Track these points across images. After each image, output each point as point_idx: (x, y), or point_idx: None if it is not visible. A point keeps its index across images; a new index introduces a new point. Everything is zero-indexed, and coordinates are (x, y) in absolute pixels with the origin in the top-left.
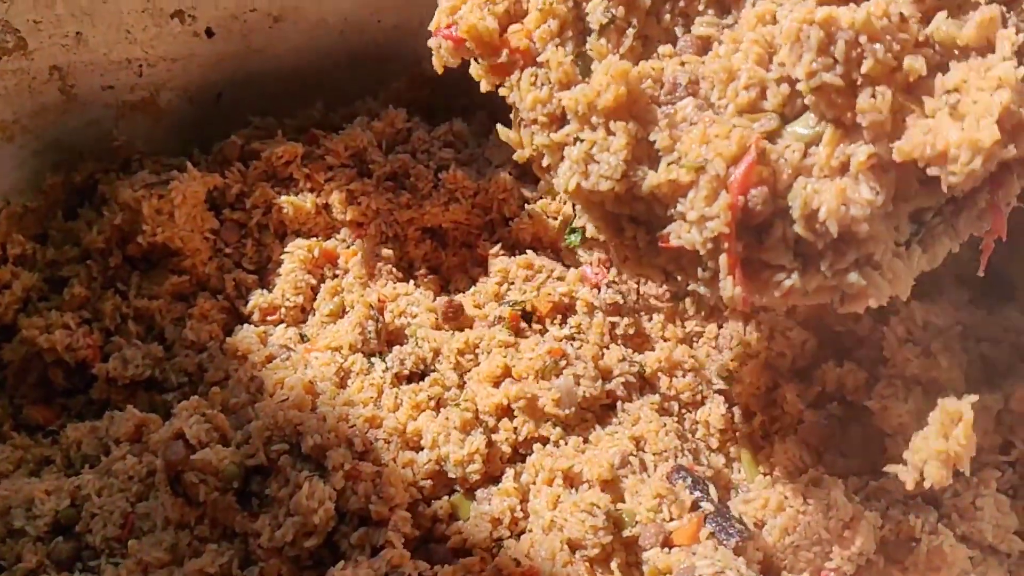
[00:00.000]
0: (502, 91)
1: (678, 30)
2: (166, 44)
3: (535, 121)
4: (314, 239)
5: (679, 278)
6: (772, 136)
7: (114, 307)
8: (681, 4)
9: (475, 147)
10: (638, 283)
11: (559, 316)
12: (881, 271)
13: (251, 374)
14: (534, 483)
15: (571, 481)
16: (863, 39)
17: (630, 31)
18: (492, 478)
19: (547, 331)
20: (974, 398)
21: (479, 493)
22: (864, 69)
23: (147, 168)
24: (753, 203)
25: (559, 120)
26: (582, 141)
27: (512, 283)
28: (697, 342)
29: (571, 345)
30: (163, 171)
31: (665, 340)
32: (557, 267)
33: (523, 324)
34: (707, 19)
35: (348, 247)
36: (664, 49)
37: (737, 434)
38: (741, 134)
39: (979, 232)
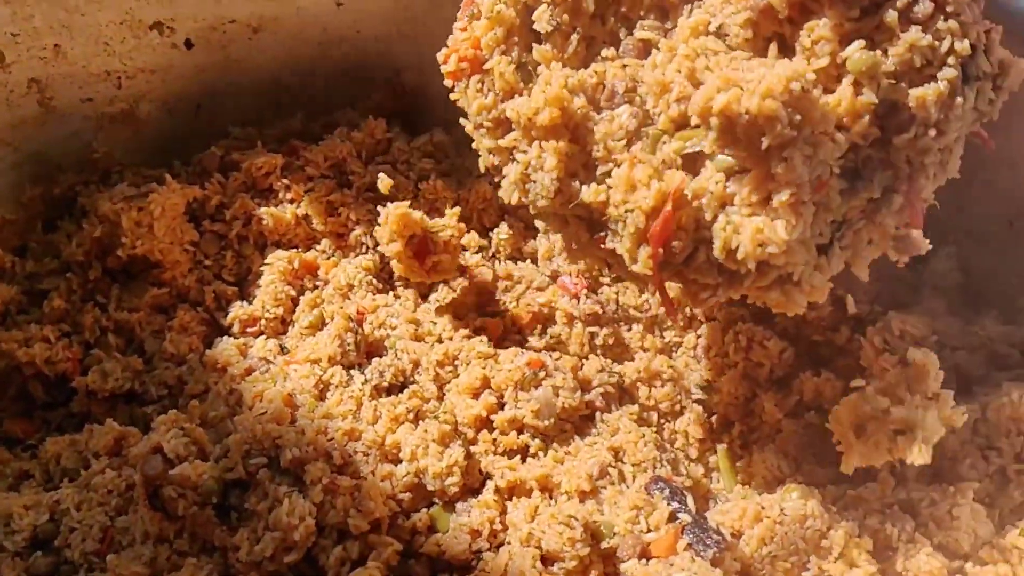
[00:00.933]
0: (452, 96)
1: (622, 33)
2: (145, 56)
3: (481, 126)
4: (294, 250)
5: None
6: (697, 164)
7: (94, 320)
8: (623, 9)
9: (455, 157)
10: (617, 293)
11: (539, 326)
12: (800, 286)
13: (230, 387)
14: (513, 495)
15: (550, 493)
16: None
17: (574, 36)
18: (471, 490)
19: (527, 341)
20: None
21: (458, 505)
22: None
23: (127, 180)
24: (673, 249)
25: (505, 125)
26: (517, 162)
27: (492, 292)
28: (676, 352)
29: (550, 356)
30: (143, 183)
31: (644, 350)
32: (537, 277)
33: (502, 335)
34: (648, 23)
35: (328, 258)
36: (607, 52)
37: (716, 444)
38: (660, 188)
39: (901, 225)
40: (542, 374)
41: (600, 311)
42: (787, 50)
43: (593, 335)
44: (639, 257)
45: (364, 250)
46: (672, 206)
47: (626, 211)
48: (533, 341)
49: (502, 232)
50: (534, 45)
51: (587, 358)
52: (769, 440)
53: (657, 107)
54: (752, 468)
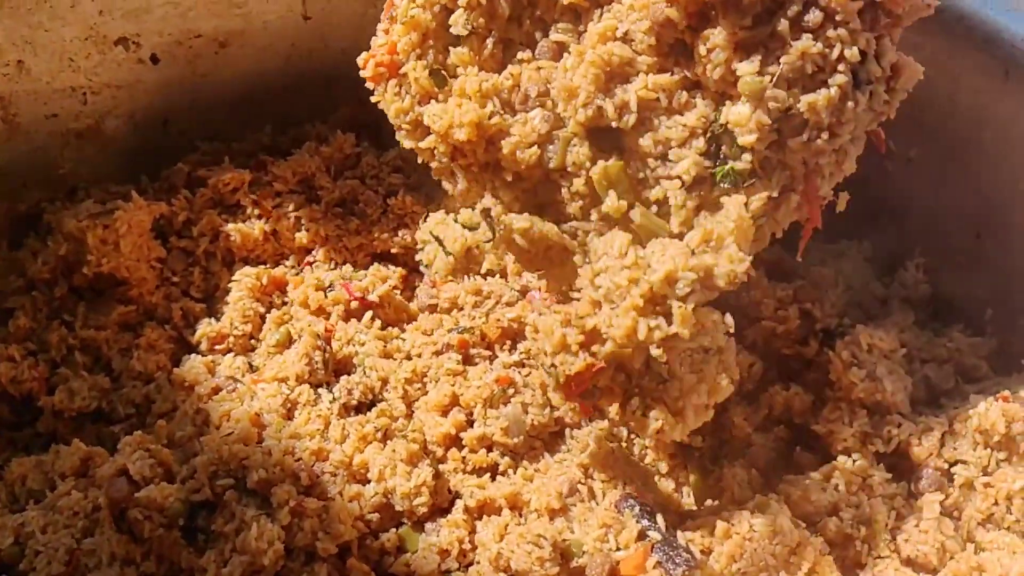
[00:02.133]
0: (373, 99)
1: (537, 35)
2: (110, 71)
3: (401, 128)
4: (262, 266)
5: None
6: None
7: (60, 338)
8: (539, 12)
9: (424, 172)
10: None
11: (508, 342)
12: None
13: (197, 406)
14: (482, 514)
15: (519, 511)
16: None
17: (490, 40)
18: (440, 509)
19: (496, 357)
20: None
21: (428, 525)
22: None
23: (93, 196)
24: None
25: (423, 128)
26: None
27: (461, 309)
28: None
29: (520, 372)
30: (109, 199)
31: None
32: (507, 292)
33: (472, 351)
34: (562, 26)
35: (297, 274)
36: (524, 54)
37: (686, 459)
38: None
39: (801, 220)
40: (511, 391)
41: None
42: (688, 55)
43: None
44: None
45: (333, 266)
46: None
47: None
48: (503, 357)
49: None
50: (451, 48)
51: None
52: (739, 455)
53: (567, 111)
54: (722, 483)
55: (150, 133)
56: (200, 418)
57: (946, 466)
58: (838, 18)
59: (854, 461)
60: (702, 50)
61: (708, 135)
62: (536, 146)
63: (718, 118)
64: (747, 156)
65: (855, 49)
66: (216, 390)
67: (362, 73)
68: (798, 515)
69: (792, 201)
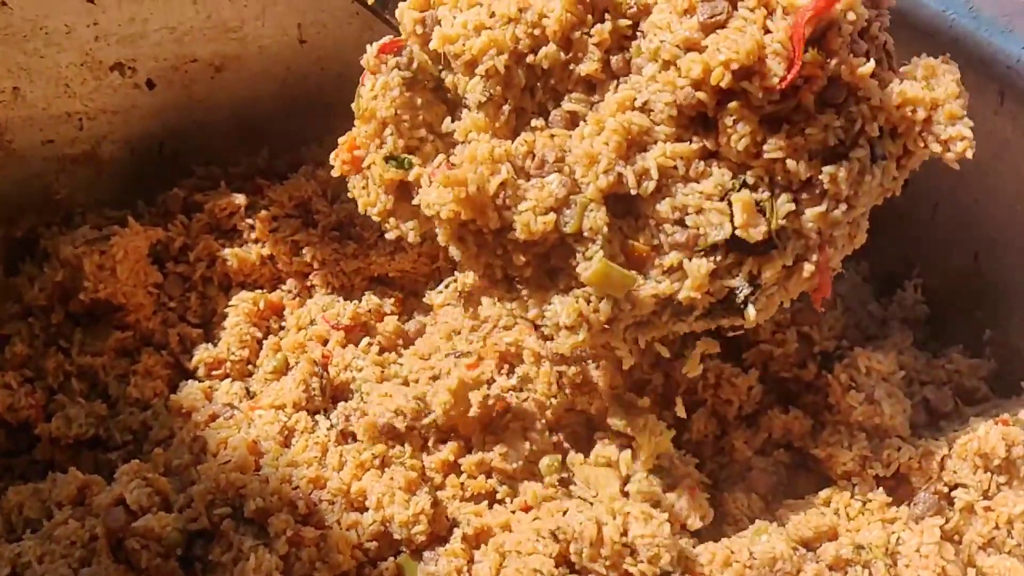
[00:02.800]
0: (349, 193)
1: (550, 105)
2: (106, 97)
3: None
4: (259, 291)
5: None
6: None
7: (57, 365)
8: (552, 82)
9: None
10: None
11: (506, 366)
12: None
13: (194, 433)
14: (480, 543)
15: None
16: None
17: (506, 107)
18: (439, 538)
19: (494, 381)
20: None
21: (426, 554)
22: None
23: (89, 221)
24: None
25: (396, 213)
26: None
27: (459, 333)
28: (645, 390)
29: (517, 396)
30: (105, 224)
31: (612, 388)
32: (504, 316)
33: None
34: (576, 96)
35: (294, 298)
36: (536, 122)
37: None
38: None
39: (810, 290)
40: (509, 416)
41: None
42: (707, 125)
43: (561, 374)
44: None
45: (330, 290)
46: None
47: None
48: (500, 381)
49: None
50: (464, 112)
51: (555, 397)
52: (739, 478)
53: (586, 177)
54: (723, 507)
55: (146, 158)
56: (197, 445)
57: (946, 490)
58: (860, 94)
59: (854, 485)
60: (728, 121)
61: (725, 202)
62: (552, 211)
63: (736, 186)
64: (762, 227)
65: (875, 125)
66: (213, 417)
67: (332, 172)
68: (798, 540)
69: (805, 271)
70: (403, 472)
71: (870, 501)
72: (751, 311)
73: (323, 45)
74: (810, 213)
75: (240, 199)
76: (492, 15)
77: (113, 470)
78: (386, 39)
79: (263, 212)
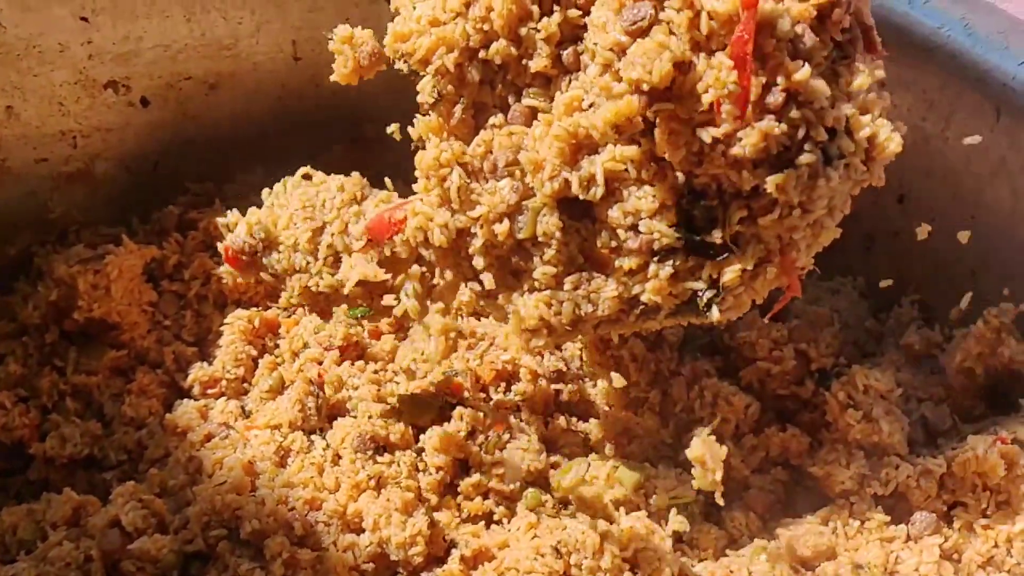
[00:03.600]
0: None
1: (511, 98)
2: (100, 115)
3: None
4: (254, 309)
5: None
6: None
7: (51, 384)
8: (510, 76)
9: None
10: (581, 349)
11: (503, 384)
12: None
13: (189, 454)
14: (478, 564)
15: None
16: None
17: (459, 106)
18: (436, 559)
19: (491, 399)
20: None
21: (424, 574)
22: None
23: (84, 240)
24: None
25: None
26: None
27: (455, 351)
28: (642, 408)
29: (515, 415)
30: (100, 242)
31: (609, 407)
32: (500, 334)
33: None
34: (533, 91)
35: (289, 316)
36: (496, 119)
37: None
38: None
39: (781, 287)
40: (507, 436)
41: (564, 367)
42: (648, 128)
43: (558, 392)
44: None
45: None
46: None
47: None
48: (497, 399)
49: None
50: (418, 116)
51: (552, 416)
52: (737, 497)
53: (534, 183)
54: (721, 526)
55: (140, 176)
56: (192, 466)
57: (945, 508)
58: (801, 98)
59: (852, 504)
60: (660, 131)
61: (679, 207)
62: (506, 219)
63: (683, 194)
64: (717, 232)
65: (821, 129)
66: (209, 436)
67: None
68: (796, 559)
69: (769, 273)
70: (399, 493)
71: (868, 520)
72: (715, 312)
73: (318, 62)
74: (764, 220)
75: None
76: (444, 8)
77: (108, 490)
78: None
79: None
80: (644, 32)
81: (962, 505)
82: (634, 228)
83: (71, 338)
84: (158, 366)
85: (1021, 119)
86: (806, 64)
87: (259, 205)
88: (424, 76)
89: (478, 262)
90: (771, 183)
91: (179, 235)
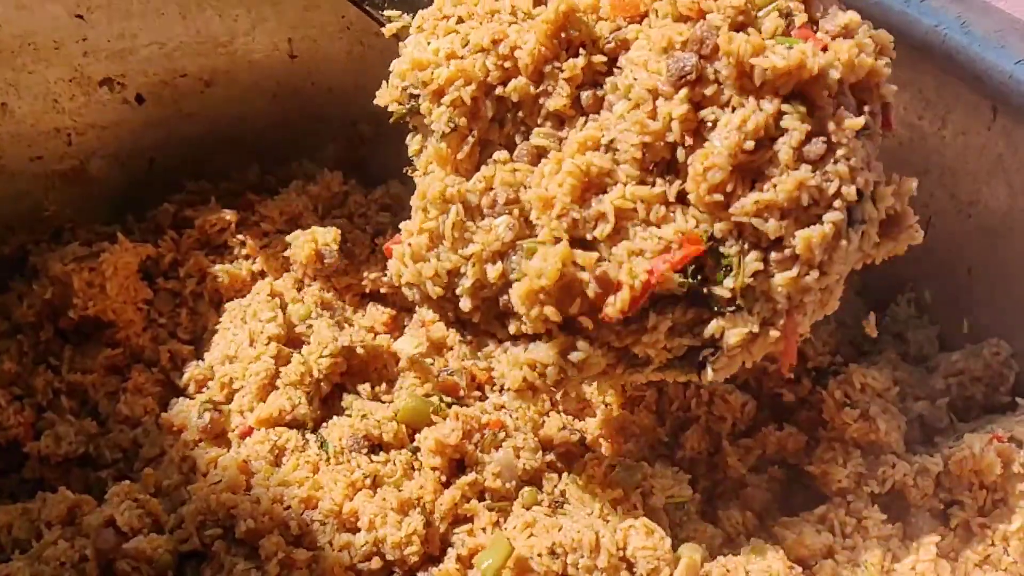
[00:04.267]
0: None
1: (518, 137)
2: (95, 112)
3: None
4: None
5: None
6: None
7: (46, 382)
8: (521, 114)
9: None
10: None
11: (498, 384)
12: None
13: (184, 452)
14: (474, 563)
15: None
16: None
17: (470, 139)
18: (432, 558)
19: (486, 398)
20: None
21: (419, 574)
22: None
23: (79, 238)
24: None
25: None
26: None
27: (451, 349)
28: (638, 407)
29: (511, 415)
30: (95, 240)
31: (606, 405)
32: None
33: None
34: (544, 131)
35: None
36: (500, 155)
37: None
38: None
39: (775, 352)
40: (502, 435)
41: None
42: (675, 172)
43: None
44: None
45: (321, 307)
46: None
47: None
48: (493, 398)
49: None
50: (429, 141)
51: (548, 415)
52: (733, 495)
53: (540, 220)
54: (718, 524)
55: (136, 173)
56: (187, 465)
57: (942, 507)
58: (840, 152)
59: (849, 502)
60: (698, 167)
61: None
62: (500, 259)
63: (704, 237)
64: (728, 282)
65: (853, 188)
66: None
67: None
68: (793, 558)
69: (770, 336)
70: (395, 492)
71: (865, 518)
72: (709, 373)
73: (314, 60)
74: (780, 277)
75: (230, 215)
76: (466, 44)
77: (103, 488)
78: None
79: (254, 228)
80: (691, 83)
81: (959, 503)
82: None
83: (66, 336)
84: (153, 364)
85: (1018, 117)
86: (862, 115)
87: (253, 202)
88: (421, 111)
89: (465, 304)
90: (799, 238)
91: (175, 233)
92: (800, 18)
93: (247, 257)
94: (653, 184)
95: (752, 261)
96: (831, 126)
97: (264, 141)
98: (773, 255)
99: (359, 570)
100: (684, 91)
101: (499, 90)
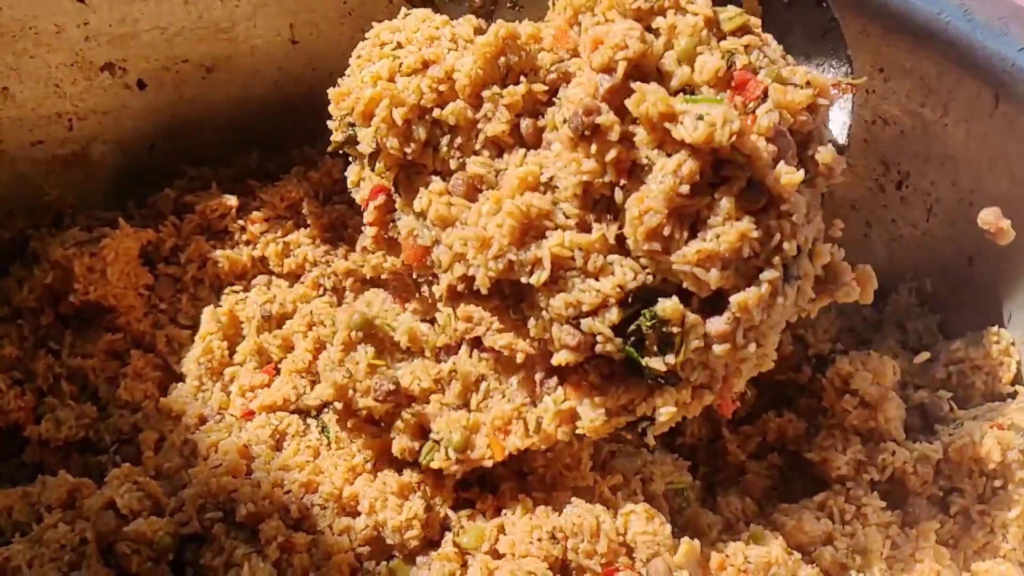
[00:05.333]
0: None
1: (453, 163)
2: (96, 97)
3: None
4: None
5: None
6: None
7: (47, 367)
8: (459, 140)
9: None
10: None
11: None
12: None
13: (184, 437)
14: (474, 548)
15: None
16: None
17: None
18: (431, 542)
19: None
20: None
21: (419, 559)
22: None
23: (79, 223)
24: None
25: None
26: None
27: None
28: None
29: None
30: (96, 225)
31: None
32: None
33: None
34: (481, 160)
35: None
36: (436, 185)
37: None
38: None
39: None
40: None
41: None
42: (614, 212)
43: None
44: None
45: (321, 292)
46: None
47: None
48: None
49: None
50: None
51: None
52: (733, 482)
53: (476, 260)
54: (717, 511)
55: (137, 159)
56: (188, 448)
57: (941, 494)
58: (783, 208)
59: (848, 489)
60: (634, 211)
61: (625, 303)
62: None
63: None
64: (670, 358)
65: (794, 243)
66: (204, 419)
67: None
68: (793, 545)
69: (706, 398)
70: (395, 477)
71: (865, 505)
72: (649, 438)
73: (315, 45)
74: (719, 349)
75: (231, 200)
76: (398, 68)
77: (103, 472)
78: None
79: (255, 213)
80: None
81: (958, 491)
82: (575, 323)
83: (66, 321)
84: (153, 349)
85: (1020, 106)
86: (799, 170)
87: (254, 188)
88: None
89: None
90: (735, 303)
91: (175, 218)
92: (742, 59)
93: (248, 243)
94: (591, 227)
95: (694, 339)
96: (770, 178)
97: (265, 127)
98: (712, 327)
99: (359, 554)
100: (590, 143)
101: (436, 112)
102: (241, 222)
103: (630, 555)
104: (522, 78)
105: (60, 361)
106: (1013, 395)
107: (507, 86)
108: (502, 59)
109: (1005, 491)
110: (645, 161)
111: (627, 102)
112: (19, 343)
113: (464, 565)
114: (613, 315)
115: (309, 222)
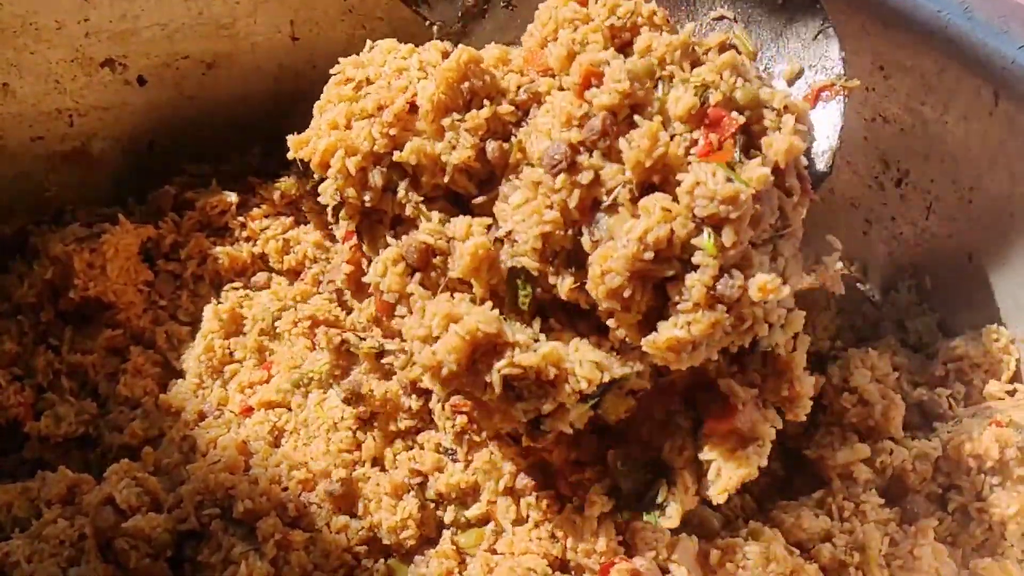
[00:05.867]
0: None
1: (409, 208)
2: (97, 93)
3: None
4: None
5: None
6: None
7: (46, 363)
8: (424, 178)
9: None
10: None
11: None
12: None
13: (183, 433)
14: (472, 545)
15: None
16: None
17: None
18: (429, 540)
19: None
20: None
21: (416, 557)
22: None
23: (80, 219)
24: None
25: None
26: None
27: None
28: None
29: None
30: (96, 222)
31: None
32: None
33: None
34: (431, 227)
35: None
36: (390, 252)
37: None
38: None
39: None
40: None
41: None
42: (575, 264)
43: None
44: None
45: (321, 288)
46: None
47: None
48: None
49: None
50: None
51: None
52: None
53: (426, 380)
54: (716, 508)
55: (137, 155)
56: (187, 445)
57: (940, 491)
58: (756, 298)
59: (847, 486)
60: (596, 269)
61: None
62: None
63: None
64: (670, 510)
65: (765, 326)
66: (202, 416)
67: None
68: (792, 542)
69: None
70: (388, 476)
71: (864, 502)
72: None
73: (316, 42)
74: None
75: (232, 197)
76: (353, 112)
77: (102, 468)
78: None
79: (255, 210)
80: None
81: (957, 488)
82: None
83: (66, 317)
84: (153, 346)
85: (1020, 103)
86: (776, 278)
87: (254, 185)
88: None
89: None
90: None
91: (175, 215)
92: (715, 96)
93: (248, 239)
94: (551, 284)
95: (690, 496)
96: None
97: (265, 124)
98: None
99: (356, 552)
100: (562, 177)
101: (396, 155)
102: (241, 219)
103: (629, 553)
104: (486, 102)
105: (60, 357)
106: (1012, 392)
107: (471, 110)
108: (465, 84)
109: (1003, 488)
110: (606, 199)
111: (617, 144)
112: (19, 339)
113: (462, 562)
114: (573, 415)
115: (309, 219)
